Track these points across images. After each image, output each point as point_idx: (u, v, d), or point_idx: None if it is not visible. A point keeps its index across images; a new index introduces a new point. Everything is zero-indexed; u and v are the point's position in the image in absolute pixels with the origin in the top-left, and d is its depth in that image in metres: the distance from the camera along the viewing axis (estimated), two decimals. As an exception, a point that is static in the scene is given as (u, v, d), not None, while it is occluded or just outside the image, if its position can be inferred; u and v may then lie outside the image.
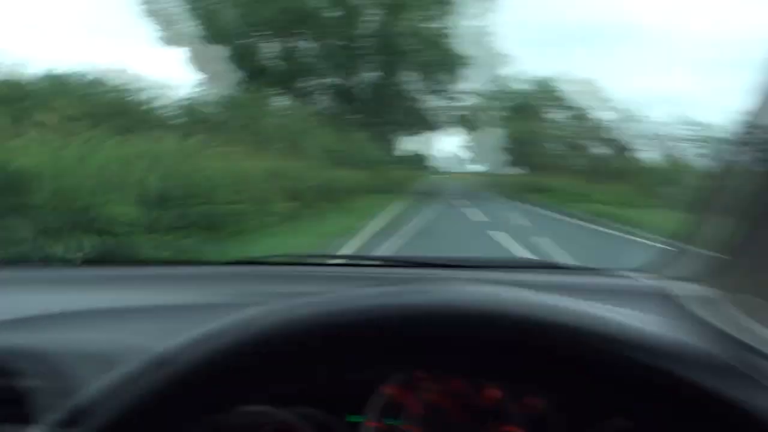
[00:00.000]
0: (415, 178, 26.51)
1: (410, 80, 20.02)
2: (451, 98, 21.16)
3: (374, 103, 19.29)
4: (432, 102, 21.27)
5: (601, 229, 9.61)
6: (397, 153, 25.45)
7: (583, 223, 10.34)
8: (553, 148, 21.11)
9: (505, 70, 19.96)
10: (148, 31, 19.03)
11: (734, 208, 0.74)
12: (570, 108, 23.27)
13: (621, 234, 8.68)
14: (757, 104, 0.58)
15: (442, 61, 18.99)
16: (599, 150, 22.17)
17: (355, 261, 1.46)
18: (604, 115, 21.90)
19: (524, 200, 15.95)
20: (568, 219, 11.24)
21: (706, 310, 0.73)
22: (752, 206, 0.70)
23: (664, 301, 0.82)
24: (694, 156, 14.45)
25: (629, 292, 0.92)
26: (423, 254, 4.36)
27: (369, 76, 19.40)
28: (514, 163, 26.14)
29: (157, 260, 1.48)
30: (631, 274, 1.03)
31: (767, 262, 0.73)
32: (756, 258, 0.74)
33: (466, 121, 23.20)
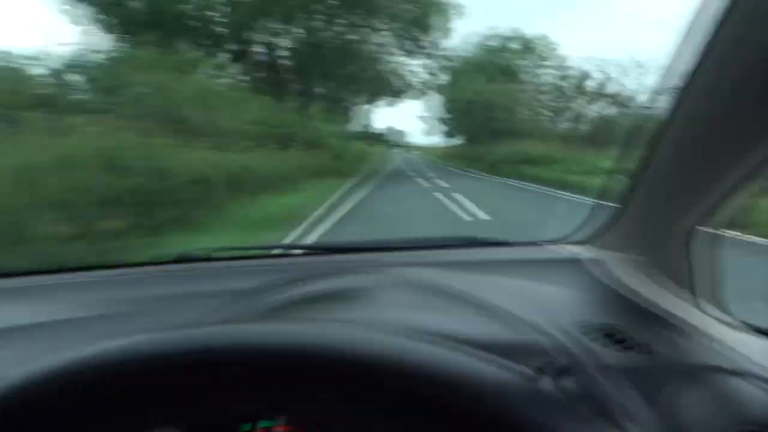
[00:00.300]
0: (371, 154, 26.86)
1: (370, 34, 15.39)
2: (425, 57, 17.39)
3: (316, 65, 14.44)
4: (392, 64, 17.20)
5: (533, 189, 10.88)
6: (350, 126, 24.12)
7: (518, 185, 11.97)
8: (506, 115, 20.26)
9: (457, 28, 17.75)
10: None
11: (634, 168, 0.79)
12: (520, 71, 22.56)
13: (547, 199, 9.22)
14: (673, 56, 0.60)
15: (414, 12, 14.85)
16: (551, 113, 22.02)
17: (286, 251, 1.52)
18: (553, 75, 21.99)
19: (474, 169, 17.75)
20: (514, 183, 12.56)
21: (608, 274, 0.88)
22: (645, 164, 0.76)
23: (576, 269, 0.95)
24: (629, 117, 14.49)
25: (547, 262, 1.03)
26: (371, 230, 5.56)
27: (315, 27, 14.25)
28: (466, 132, 25.85)
29: (81, 266, 1.08)
30: (550, 245, 1.15)
31: (654, 221, 0.81)
32: (645, 217, 0.83)
33: (427, 87, 20.41)
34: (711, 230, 0.73)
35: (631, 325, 0.65)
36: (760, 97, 0.52)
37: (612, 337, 0.59)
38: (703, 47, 0.54)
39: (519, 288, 0.81)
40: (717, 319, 0.67)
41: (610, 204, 0.91)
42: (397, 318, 0.60)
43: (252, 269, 1.03)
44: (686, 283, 0.77)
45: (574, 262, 0.99)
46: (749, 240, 4.14)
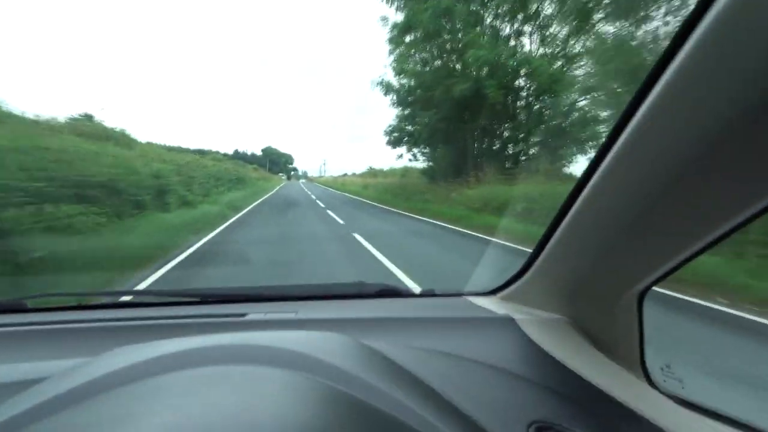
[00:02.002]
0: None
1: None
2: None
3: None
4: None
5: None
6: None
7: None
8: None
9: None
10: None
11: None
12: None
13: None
14: None
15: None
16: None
17: (115, 299, 1.28)
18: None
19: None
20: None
21: (525, 337, 0.81)
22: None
23: (491, 330, 0.86)
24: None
25: (454, 321, 0.91)
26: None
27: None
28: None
29: None
30: (454, 297, 1.10)
31: (574, 279, 0.78)
32: (563, 274, 0.81)
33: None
34: (638, 292, 0.71)
35: (564, 411, 0.60)
36: (693, 159, 0.50)
37: None
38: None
39: (427, 363, 0.66)
40: (644, 394, 0.65)
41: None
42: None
43: (76, 328, 0.87)
44: (612, 349, 0.75)
45: (489, 321, 0.90)
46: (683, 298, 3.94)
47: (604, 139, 0.60)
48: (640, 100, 0.52)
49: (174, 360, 0.53)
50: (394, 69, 18.35)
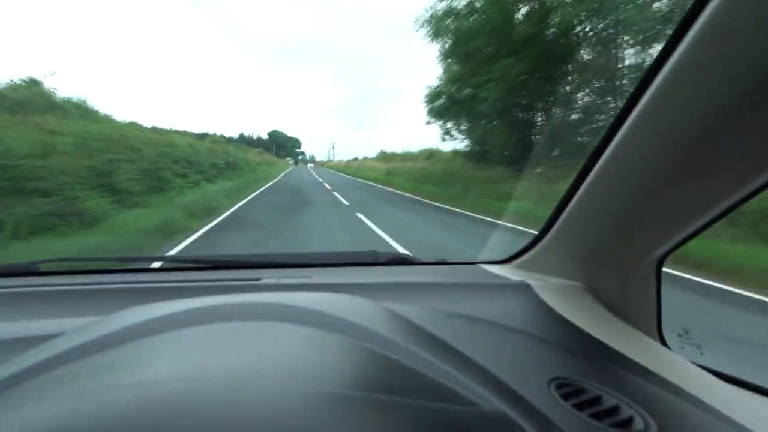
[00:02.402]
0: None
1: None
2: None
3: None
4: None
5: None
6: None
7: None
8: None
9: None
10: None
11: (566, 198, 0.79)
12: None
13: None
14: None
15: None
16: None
17: (133, 263, 1.31)
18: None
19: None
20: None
21: (541, 302, 0.80)
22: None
23: (508, 295, 0.86)
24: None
25: (470, 286, 0.92)
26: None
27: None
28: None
29: None
30: (469, 265, 1.09)
31: (589, 246, 0.79)
32: (579, 242, 0.82)
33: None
34: (656, 258, 0.71)
35: (583, 371, 0.59)
36: (709, 128, 0.51)
37: (568, 396, 0.53)
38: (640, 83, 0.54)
39: (442, 324, 0.65)
40: (662, 356, 0.65)
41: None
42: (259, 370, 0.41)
43: (89, 290, 0.90)
44: (629, 315, 0.75)
45: (504, 287, 0.91)
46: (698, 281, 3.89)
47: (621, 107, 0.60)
48: (659, 66, 0.52)
49: (190, 316, 0.53)
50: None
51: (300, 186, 20.39)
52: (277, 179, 26.48)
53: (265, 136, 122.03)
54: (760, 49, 0.44)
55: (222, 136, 53.88)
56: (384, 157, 44.55)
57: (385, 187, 18.92)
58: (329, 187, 18.26)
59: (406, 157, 36.07)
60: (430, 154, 28.02)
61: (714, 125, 0.51)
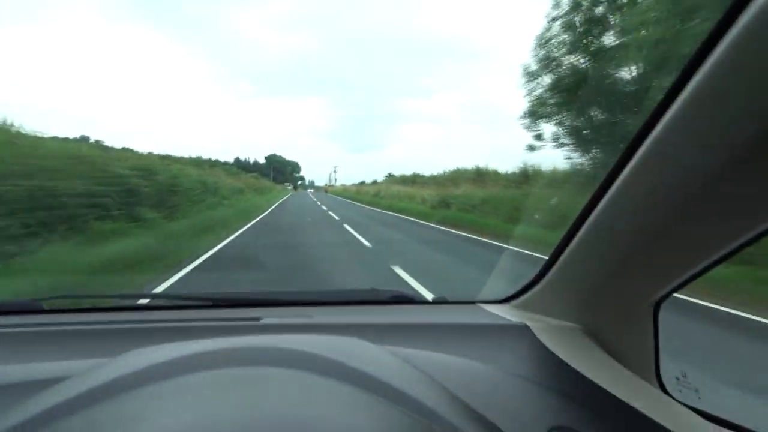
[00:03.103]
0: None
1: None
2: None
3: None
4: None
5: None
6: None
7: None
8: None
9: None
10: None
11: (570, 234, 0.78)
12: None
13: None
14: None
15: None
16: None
17: (133, 302, 1.22)
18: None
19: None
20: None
21: (540, 345, 0.79)
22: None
23: (507, 338, 0.85)
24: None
25: (468, 327, 0.91)
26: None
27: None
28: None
29: None
30: (467, 305, 1.08)
31: (590, 287, 0.78)
32: (579, 282, 0.81)
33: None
34: (653, 301, 0.71)
35: (583, 418, 0.59)
36: (714, 175, 0.51)
37: None
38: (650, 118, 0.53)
39: (443, 368, 0.65)
40: (661, 402, 0.65)
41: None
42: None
43: (92, 330, 0.88)
44: (626, 358, 0.74)
45: (503, 329, 0.90)
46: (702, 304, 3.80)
47: (623, 149, 0.59)
48: (662, 111, 0.52)
49: (193, 361, 0.53)
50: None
51: (299, 228, 11.24)
52: (259, 218, 14.63)
53: (262, 161, 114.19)
54: None
55: (217, 160, 50.97)
56: (408, 180, 35.48)
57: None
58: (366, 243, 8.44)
59: (431, 180, 27.59)
60: (479, 174, 19.23)
61: (716, 172, 0.50)
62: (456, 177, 21.89)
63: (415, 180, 32.27)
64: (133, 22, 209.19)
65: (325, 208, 21.15)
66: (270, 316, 0.94)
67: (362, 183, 67.71)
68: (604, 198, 0.65)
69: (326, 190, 69.99)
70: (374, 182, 58.94)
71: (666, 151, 0.53)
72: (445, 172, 25.12)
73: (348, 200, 34.92)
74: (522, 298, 0.98)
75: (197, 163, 24.32)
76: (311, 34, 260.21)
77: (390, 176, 58.48)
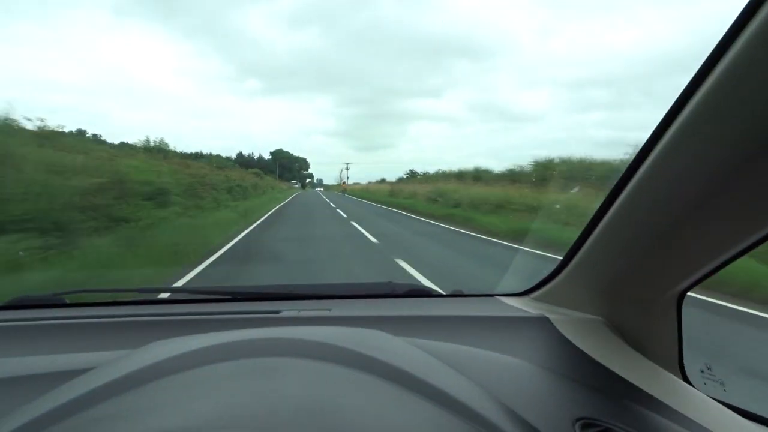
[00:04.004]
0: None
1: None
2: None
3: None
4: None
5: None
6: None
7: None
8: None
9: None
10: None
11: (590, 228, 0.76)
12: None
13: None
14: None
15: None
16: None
17: (153, 295, 1.22)
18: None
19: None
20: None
21: (561, 337, 0.78)
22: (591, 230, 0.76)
23: (528, 330, 0.83)
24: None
25: (489, 319, 0.90)
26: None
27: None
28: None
29: None
30: (486, 298, 1.07)
31: (611, 280, 0.77)
32: (600, 275, 0.80)
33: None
34: (677, 293, 0.70)
35: (608, 410, 0.57)
36: (733, 167, 0.50)
37: None
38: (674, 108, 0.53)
39: (463, 359, 0.63)
40: (686, 394, 0.64)
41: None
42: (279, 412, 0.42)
43: (113, 323, 0.89)
44: (649, 350, 0.73)
45: (522, 321, 0.89)
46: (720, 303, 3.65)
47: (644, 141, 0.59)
48: (685, 102, 0.51)
49: (215, 352, 0.53)
50: None
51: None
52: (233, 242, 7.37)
53: (267, 156, 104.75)
54: None
55: (219, 156, 48.40)
56: (431, 178, 29.31)
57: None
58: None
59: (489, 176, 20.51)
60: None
61: (742, 160, 0.49)
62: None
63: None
64: (142, 20, 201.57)
65: (354, 222, 10.01)
66: (289, 308, 0.94)
67: (382, 181, 57.21)
68: (626, 188, 0.64)
69: (344, 189, 50.56)
70: (380, 181, 51.93)
71: (689, 142, 0.53)
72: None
73: (395, 209, 19.03)
74: (541, 290, 0.97)
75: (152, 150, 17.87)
76: (320, 31, 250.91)
77: (412, 174, 49.33)
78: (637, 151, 0.61)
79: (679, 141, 0.53)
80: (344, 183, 38.91)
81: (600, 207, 0.71)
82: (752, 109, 0.46)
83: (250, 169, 56.38)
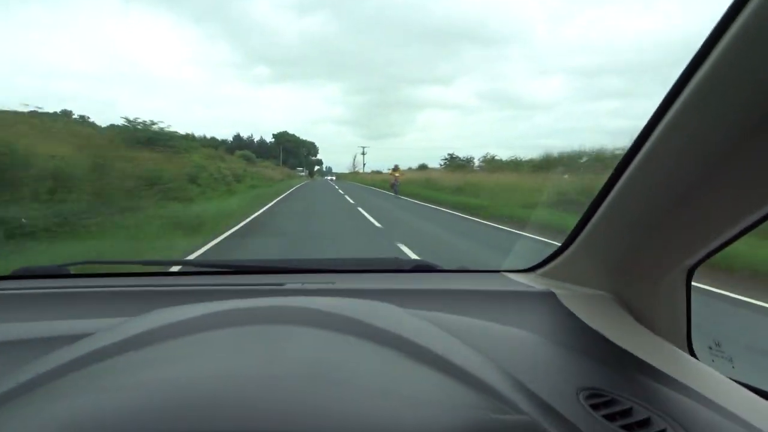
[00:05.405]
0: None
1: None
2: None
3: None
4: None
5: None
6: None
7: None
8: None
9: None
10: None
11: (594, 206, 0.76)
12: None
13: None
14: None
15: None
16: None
17: (165, 268, 1.20)
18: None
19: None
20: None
21: (568, 311, 0.77)
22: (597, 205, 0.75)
23: (534, 304, 0.83)
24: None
25: (496, 294, 0.90)
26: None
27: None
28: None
29: None
30: (493, 274, 1.05)
31: (619, 255, 0.77)
32: (608, 251, 0.79)
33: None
34: (686, 268, 0.70)
35: (613, 381, 0.56)
36: (735, 142, 0.51)
37: (597, 406, 0.50)
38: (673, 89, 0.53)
39: (469, 330, 0.63)
40: (693, 368, 0.62)
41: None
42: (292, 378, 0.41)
43: (116, 292, 0.89)
44: (657, 326, 0.73)
45: (528, 295, 0.88)
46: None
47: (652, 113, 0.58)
48: (693, 70, 0.51)
49: (218, 318, 0.53)
50: None
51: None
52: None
53: (270, 139, 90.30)
54: None
55: (213, 138, 45.83)
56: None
57: None
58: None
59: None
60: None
61: (748, 133, 0.49)
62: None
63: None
64: (149, 4, 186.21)
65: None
66: (293, 282, 0.94)
67: (424, 167, 42.17)
68: (633, 162, 0.63)
69: (393, 182, 20.71)
70: (423, 167, 42.17)
71: (696, 113, 0.53)
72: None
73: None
74: (548, 266, 0.96)
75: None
76: (328, 17, 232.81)
77: (452, 159, 39.96)
78: (643, 126, 0.60)
79: (683, 116, 0.54)
80: (396, 171, 20.33)
81: (606, 182, 0.70)
82: (755, 84, 0.46)
83: (238, 152, 41.85)
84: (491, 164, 27.10)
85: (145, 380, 0.39)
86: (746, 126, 0.49)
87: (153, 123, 15.04)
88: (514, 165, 21.46)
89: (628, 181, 0.66)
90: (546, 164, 17.11)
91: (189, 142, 21.67)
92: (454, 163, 38.09)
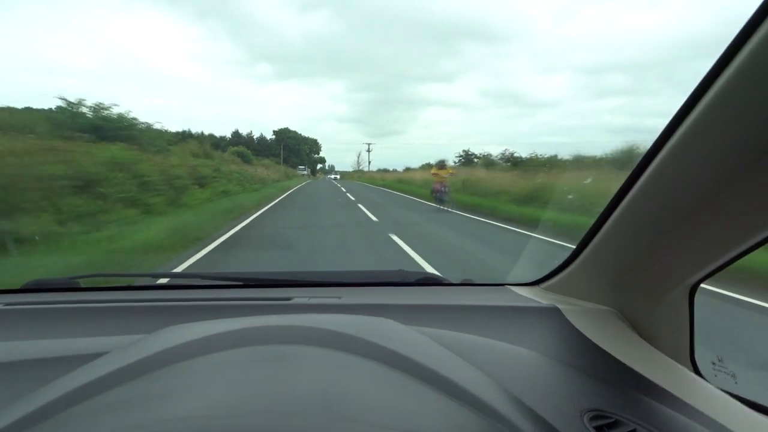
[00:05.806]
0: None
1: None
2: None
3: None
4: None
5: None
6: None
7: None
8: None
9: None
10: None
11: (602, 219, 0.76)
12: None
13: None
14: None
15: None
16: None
17: (171, 281, 1.26)
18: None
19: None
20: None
21: (572, 328, 0.77)
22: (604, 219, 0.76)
23: (539, 320, 0.83)
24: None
25: (500, 309, 0.89)
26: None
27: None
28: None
29: None
30: (497, 287, 1.06)
31: (624, 270, 0.77)
32: (613, 265, 0.79)
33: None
34: (689, 285, 0.70)
35: (617, 402, 0.57)
36: (742, 159, 0.50)
37: (601, 428, 0.51)
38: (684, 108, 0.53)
39: (472, 348, 0.63)
40: (697, 387, 0.62)
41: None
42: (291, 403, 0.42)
43: (127, 307, 0.89)
44: (661, 342, 0.72)
45: (532, 311, 0.87)
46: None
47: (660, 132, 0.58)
48: (702, 92, 0.51)
49: (227, 339, 0.53)
50: None
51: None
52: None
53: (270, 136, 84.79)
54: None
55: (211, 135, 46.67)
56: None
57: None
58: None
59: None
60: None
61: (755, 155, 0.50)
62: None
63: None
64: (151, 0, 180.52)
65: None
66: (300, 296, 0.95)
67: (442, 165, 36.55)
68: (640, 179, 0.64)
69: (444, 177, 13.01)
70: (441, 165, 34.33)
71: (704, 133, 0.53)
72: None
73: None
74: (552, 280, 0.96)
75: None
76: (331, 15, 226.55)
77: (467, 156, 37.11)
78: (653, 141, 0.59)
79: (694, 134, 0.53)
80: (443, 170, 13.98)
81: (613, 198, 0.71)
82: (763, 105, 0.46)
83: (232, 149, 35.99)
84: (534, 162, 21.28)
85: (160, 417, 0.38)
86: (758, 147, 0.49)
87: (104, 107, 12.32)
88: (549, 164, 17.97)
89: (634, 198, 0.66)
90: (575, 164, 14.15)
91: (157, 133, 15.96)
92: (467, 159, 32.61)
